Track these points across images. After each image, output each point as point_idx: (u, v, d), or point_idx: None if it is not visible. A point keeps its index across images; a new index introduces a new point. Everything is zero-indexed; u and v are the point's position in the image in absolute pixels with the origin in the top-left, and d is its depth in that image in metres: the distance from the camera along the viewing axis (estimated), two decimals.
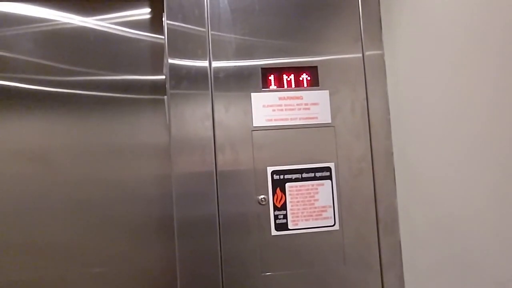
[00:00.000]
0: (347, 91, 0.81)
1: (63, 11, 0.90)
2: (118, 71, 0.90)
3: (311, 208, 0.78)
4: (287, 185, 0.77)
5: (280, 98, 0.79)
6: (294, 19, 0.81)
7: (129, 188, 0.88)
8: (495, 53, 0.55)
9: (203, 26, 0.78)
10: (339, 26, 0.82)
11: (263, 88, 0.79)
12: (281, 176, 0.77)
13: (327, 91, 0.80)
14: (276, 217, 0.77)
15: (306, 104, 0.79)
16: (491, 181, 0.57)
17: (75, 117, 0.88)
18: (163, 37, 0.79)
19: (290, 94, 0.79)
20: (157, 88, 0.89)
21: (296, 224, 0.77)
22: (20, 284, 0.84)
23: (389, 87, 0.82)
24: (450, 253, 0.67)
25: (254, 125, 0.78)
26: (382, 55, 0.82)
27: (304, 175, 0.78)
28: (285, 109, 0.79)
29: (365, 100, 0.81)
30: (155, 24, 0.92)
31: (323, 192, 0.78)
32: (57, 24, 0.90)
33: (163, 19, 0.78)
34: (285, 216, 0.77)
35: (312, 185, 0.78)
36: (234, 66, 0.78)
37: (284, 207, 0.77)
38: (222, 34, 0.79)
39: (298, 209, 0.77)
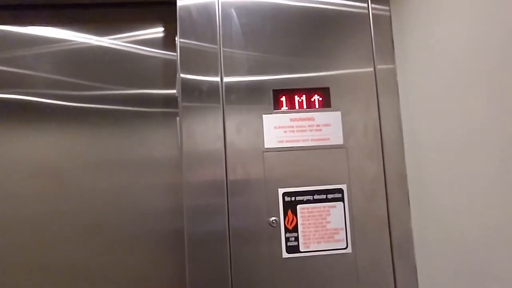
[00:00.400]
0: (360, 111, 0.80)
1: (81, 32, 0.93)
2: (132, 86, 0.92)
3: (323, 230, 0.77)
4: (299, 207, 0.77)
5: (291, 120, 0.78)
6: (305, 38, 0.81)
7: (140, 203, 0.88)
8: (510, 72, 0.54)
9: (215, 44, 0.79)
10: (351, 44, 0.82)
11: (274, 109, 0.79)
12: (293, 198, 0.77)
13: (339, 112, 0.79)
14: (287, 239, 0.76)
15: (318, 125, 0.79)
16: (509, 204, 0.55)
17: (90, 131, 0.90)
18: (175, 53, 0.80)
19: (302, 115, 0.79)
20: (169, 102, 0.91)
21: (308, 247, 0.76)
22: None
23: (402, 108, 0.81)
24: (469, 280, 0.65)
25: (265, 146, 0.77)
26: (395, 72, 0.81)
27: (316, 196, 0.77)
28: (297, 131, 0.78)
29: (378, 121, 0.80)
30: (167, 42, 0.94)
31: (335, 214, 0.77)
32: (75, 44, 0.93)
33: (176, 38, 0.79)
34: (297, 238, 0.76)
35: (324, 207, 0.77)
36: (246, 82, 0.78)
37: (295, 229, 0.76)
38: (234, 51, 0.79)
39: (310, 231, 0.76)
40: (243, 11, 0.80)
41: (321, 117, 0.79)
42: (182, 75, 0.78)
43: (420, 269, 0.77)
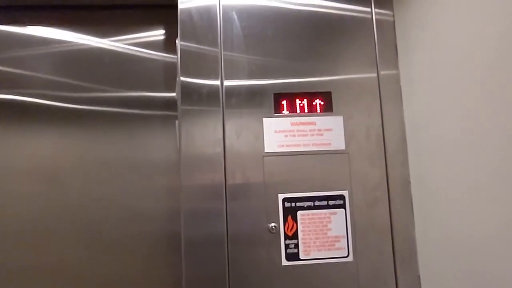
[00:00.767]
0: (362, 117, 0.78)
1: (81, 33, 0.93)
2: (132, 89, 0.92)
3: (323, 237, 0.75)
4: (299, 213, 0.75)
5: (292, 124, 0.77)
6: (307, 43, 0.80)
7: (139, 206, 0.87)
8: None
9: (216, 47, 0.78)
10: (353, 50, 0.81)
11: (275, 113, 0.77)
12: (293, 204, 0.75)
13: (341, 116, 0.78)
14: (287, 246, 0.74)
15: (319, 130, 0.77)
16: None
17: (88, 133, 0.90)
18: (176, 56, 0.79)
19: (303, 119, 0.77)
20: (169, 105, 0.90)
21: (308, 254, 0.74)
22: None
23: (405, 113, 0.79)
24: None
25: (265, 150, 0.76)
26: (398, 77, 0.80)
27: (317, 203, 0.75)
28: (298, 135, 0.77)
29: (381, 126, 0.78)
30: (169, 45, 0.93)
31: (336, 221, 0.75)
32: (75, 45, 0.93)
33: (177, 41, 0.79)
34: (297, 246, 0.74)
35: (325, 213, 0.75)
36: (247, 86, 0.77)
37: (295, 236, 0.74)
38: (235, 54, 0.78)
39: (310, 239, 0.74)
40: (244, 14, 0.80)
41: (322, 121, 0.78)
42: (182, 78, 0.77)
43: (423, 279, 0.75)
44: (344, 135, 0.78)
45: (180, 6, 0.79)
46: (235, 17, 0.79)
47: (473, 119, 0.62)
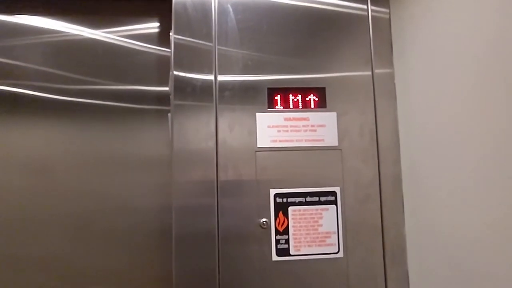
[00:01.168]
0: (356, 113, 0.78)
1: (74, 24, 0.91)
2: (125, 82, 0.91)
3: (314, 233, 0.75)
4: (290, 208, 0.75)
5: (285, 119, 0.77)
6: (302, 38, 0.79)
7: (130, 200, 0.87)
8: (508, 78, 0.53)
9: (210, 41, 0.77)
10: (348, 47, 0.80)
11: (268, 108, 0.77)
12: (284, 199, 0.75)
13: (335, 113, 0.78)
14: (277, 241, 0.74)
15: (312, 126, 0.77)
16: (504, 211, 0.54)
17: (80, 126, 0.88)
18: (169, 50, 0.78)
19: (296, 115, 0.77)
20: (162, 99, 0.89)
21: (298, 250, 0.74)
22: None
23: (399, 111, 0.79)
24: (460, 287, 0.64)
25: (258, 145, 0.76)
26: (392, 74, 0.80)
27: (308, 199, 0.75)
28: (291, 130, 0.77)
29: (374, 123, 0.78)
30: (163, 37, 0.92)
31: (327, 218, 0.75)
32: (67, 36, 0.91)
33: (171, 33, 0.78)
34: (287, 241, 0.74)
35: (316, 209, 0.75)
36: (240, 81, 0.77)
37: (286, 231, 0.74)
38: (229, 49, 0.77)
39: (301, 234, 0.74)
40: (239, 7, 0.79)
41: (316, 117, 0.77)
42: (175, 72, 0.76)
43: (412, 275, 0.76)
44: (337, 131, 0.77)
45: None
46: (230, 9, 0.79)
47: (467, 118, 0.62)
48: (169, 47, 0.80)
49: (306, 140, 0.77)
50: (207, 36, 0.78)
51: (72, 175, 0.86)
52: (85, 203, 0.86)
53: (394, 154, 0.78)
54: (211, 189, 0.74)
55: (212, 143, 0.75)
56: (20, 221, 0.84)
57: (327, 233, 0.75)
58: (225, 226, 0.73)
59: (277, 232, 0.74)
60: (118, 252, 0.85)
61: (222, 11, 0.78)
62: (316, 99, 0.78)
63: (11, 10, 0.90)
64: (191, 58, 0.77)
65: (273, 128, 0.76)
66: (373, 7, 0.82)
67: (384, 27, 0.82)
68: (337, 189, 0.76)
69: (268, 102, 0.77)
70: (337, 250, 0.75)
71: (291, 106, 0.77)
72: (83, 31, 0.91)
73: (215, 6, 0.78)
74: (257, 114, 0.76)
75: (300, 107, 0.78)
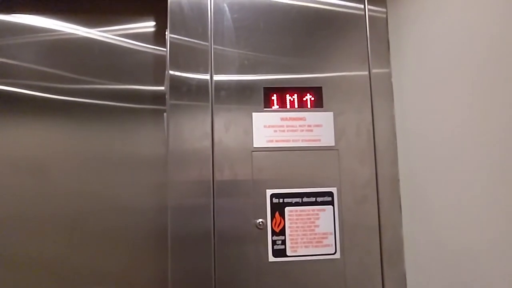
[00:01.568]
0: (352, 113, 0.78)
1: (69, 23, 0.91)
2: (120, 81, 0.90)
3: (311, 234, 0.74)
4: (287, 209, 0.74)
5: (282, 119, 0.76)
6: (299, 38, 0.79)
7: (125, 200, 0.86)
8: (507, 78, 0.52)
9: (206, 41, 0.77)
10: (345, 46, 0.80)
11: (265, 107, 0.76)
12: (281, 200, 0.74)
13: (332, 112, 0.77)
14: (274, 242, 0.73)
15: (309, 126, 0.77)
16: (502, 212, 0.54)
17: (75, 125, 0.88)
18: (165, 49, 0.78)
19: (293, 114, 0.77)
20: (158, 99, 0.88)
21: (295, 251, 0.73)
22: None
23: (396, 111, 0.79)
24: None
25: (254, 145, 0.75)
26: (389, 74, 0.80)
27: (305, 199, 0.75)
28: (287, 130, 0.76)
29: (371, 123, 0.78)
30: (158, 37, 0.91)
31: (324, 218, 0.75)
32: (62, 34, 0.90)
33: (166, 33, 0.77)
34: (284, 242, 0.73)
35: (313, 210, 0.75)
36: (236, 81, 0.76)
37: (282, 232, 0.74)
38: (225, 48, 0.77)
39: (298, 235, 0.74)
40: (235, 6, 0.78)
41: (312, 117, 0.77)
42: (171, 71, 0.75)
43: (409, 276, 0.75)
44: (334, 131, 0.77)
45: None
46: (226, 8, 0.78)
47: (464, 118, 0.62)
48: (164, 46, 0.79)
49: (302, 140, 0.76)
50: (203, 36, 0.77)
51: (66, 175, 0.85)
52: (79, 203, 0.85)
53: (391, 154, 0.78)
54: (207, 189, 0.73)
55: (208, 143, 0.74)
56: (13, 221, 0.83)
57: (324, 234, 0.74)
58: (221, 227, 0.72)
59: (274, 233, 0.73)
60: (113, 252, 0.84)
61: (218, 10, 0.78)
62: (313, 99, 0.77)
63: (5, 9, 0.89)
64: (187, 57, 0.76)
65: (270, 128, 0.76)
66: (370, 7, 0.82)
67: (381, 26, 0.81)
68: (334, 190, 0.75)
69: (265, 101, 0.76)
70: (334, 251, 0.74)
71: (287, 106, 0.77)
72: (78, 30, 0.91)
73: (211, 5, 0.78)
74: (253, 114, 0.76)
75: (297, 106, 0.77)
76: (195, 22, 0.77)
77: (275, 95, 0.77)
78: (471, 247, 0.60)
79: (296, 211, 0.74)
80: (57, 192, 0.85)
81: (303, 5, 0.80)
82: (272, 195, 0.74)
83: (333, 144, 0.77)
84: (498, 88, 0.54)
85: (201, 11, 0.78)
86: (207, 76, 0.76)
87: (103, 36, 0.91)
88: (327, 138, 0.77)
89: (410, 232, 0.76)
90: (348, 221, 0.75)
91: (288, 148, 0.76)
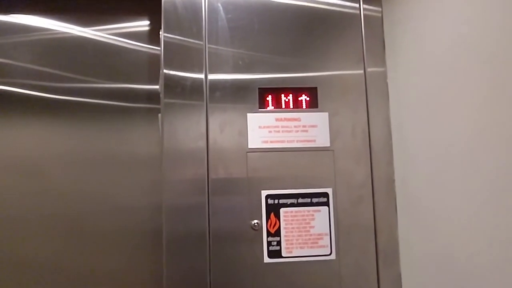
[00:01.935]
0: (348, 113, 0.77)
1: (63, 22, 0.90)
2: (115, 80, 0.89)
3: (306, 235, 0.74)
4: (282, 210, 0.74)
5: (277, 119, 0.76)
6: (294, 37, 0.79)
7: (119, 199, 0.85)
8: (503, 75, 0.52)
9: (201, 40, 0.76)
10: (341, 45, 0.79)
11: (260, 108, 0.76)
12: (276, 201, 0.74)
13: (327, 113, 0.77)
14: (269, 243, 0.73)
15: (304, 126, 0.76)
16: (496, 212, 0.54)
17: (70, 124, 0.87)
18: (160, 48, 0.77)
19: (288, 115, 0.76)
20: (153, 98, 0.88)
21: (290, 252, 0.73)
22: None
23: (391, 111, 0.79)
24: None
25: (249, 146, 0.75)
26: (385, 73, 0.79)
27: (300, 200, 0.74)
28: (282, 131, 0.76)
29: (366, 124, 0.77)
30: (153, 36, 0.91)
31: (319, 219, 0.74)
32: (57, 34, 0.90)
33: (160, 32, 0.77)
34: (279, 243, 0.73)
35: (308, 211, 0.74)
36: (231, 80, 0.76)
37: (278, 233, 0.73)
38: (220, 48, 0.76)
39: (293, 236, 0.73)
40: (230, 5, 0.78)
41: (307, 117, 0.76)
42: (165, 70, 0.75)
43: (405, 277, 0.75)
44: (329, 132, 0.76)
45: None
46: (221, 8, 0.77)
47: (460, 117, 0.62)
48: (159, 46, 0.79)
49: (297, 141, 0.76)
50: (197, 35, 0.76)
51: (59, 174, 0.85)
52: (74, 202, 0.84)
53: (387, 155, 0.77)
54: (202, 190, 0.73)
55: (202, 143, 0.74)
56: (9, 221, 0.83)
57: (319, 234, 0.74)
58: (216, 228, 0.72)
59: (269, 234, 0.73)
60: (108, 252, 0.84)
61: (212, 9, 0.77)
62: (308, 99, 0.77)
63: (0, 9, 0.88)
64: (181, 56, 0.76)
65: (265, 129, 0.75)
66: (365, 6, 0.81)
67: (376, 25, 0.81)
68: (329, 190, 0.75)
69: (259, 102, 0.76)
70: (329, 252, 0.74)
71: (282, 106, 0.76)
72: (73, 29, 0.90)
73: (205, 5, 0.77)
74: (248, 114, 0.75)
75: (292, 107, 0.77)
76: (189, 22, 0.77)
77: (270, 95, 0.76)
78: (466, 248, 0.60)
79: (291, 212, 0.74)
80: (50, 191, 0.84)
81: (298, 5, 0.80)
82: (267, 196, 0.74)
83: (328, 144, 0.76)
84: (494, 87, 0.54)
85: (195, 11, 0.77)
86: (201, 76, 0.76)
87: (97, 35, 0.91)
88: (322, 138, 0.76)
89: (405, 233, 0.75)
90: (344, 222, 0.75)
91: (283, 149, 0.75)
